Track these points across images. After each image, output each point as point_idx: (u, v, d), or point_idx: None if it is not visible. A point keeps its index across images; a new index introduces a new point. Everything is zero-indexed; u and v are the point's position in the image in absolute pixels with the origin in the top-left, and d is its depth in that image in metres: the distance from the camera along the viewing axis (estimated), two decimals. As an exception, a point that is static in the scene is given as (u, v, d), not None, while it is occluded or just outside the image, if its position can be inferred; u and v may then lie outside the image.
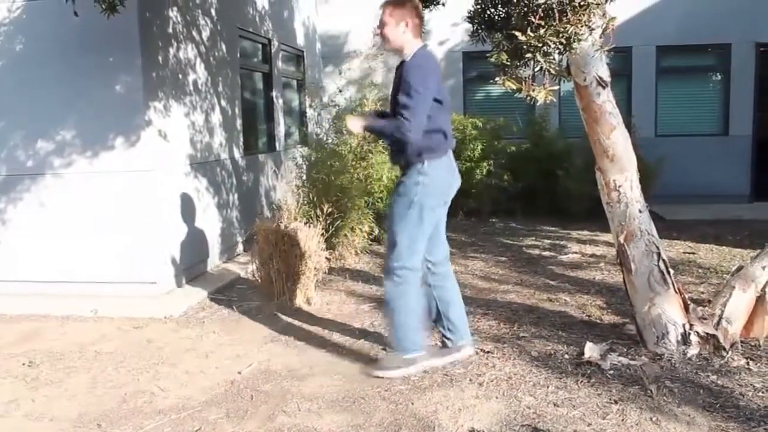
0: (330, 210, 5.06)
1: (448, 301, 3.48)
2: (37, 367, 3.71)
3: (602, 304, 4.52)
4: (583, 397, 3.08)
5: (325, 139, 6.48)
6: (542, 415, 2.91)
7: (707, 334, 3.46)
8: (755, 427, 2.76)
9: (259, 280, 4.77)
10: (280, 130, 7.76)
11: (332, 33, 9.73)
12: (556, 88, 3.20)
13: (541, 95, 3.11)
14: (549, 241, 6.80)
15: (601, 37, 3.27)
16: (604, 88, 3.46)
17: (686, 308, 3.54)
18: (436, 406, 3.03)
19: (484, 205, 8.21)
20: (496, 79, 3.26)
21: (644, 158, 5.89)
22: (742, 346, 3.53)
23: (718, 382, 3.19)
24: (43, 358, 3.84)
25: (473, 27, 4.02)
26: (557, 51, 3.10)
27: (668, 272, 3.53)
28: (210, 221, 5.75)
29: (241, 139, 6.52)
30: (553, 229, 7.51)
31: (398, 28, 3.23)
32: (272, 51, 7.50)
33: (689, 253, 6.04)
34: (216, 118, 5.95)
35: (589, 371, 3.34)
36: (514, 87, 3.17)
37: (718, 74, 9.22)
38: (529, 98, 3.18)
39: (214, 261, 5.84)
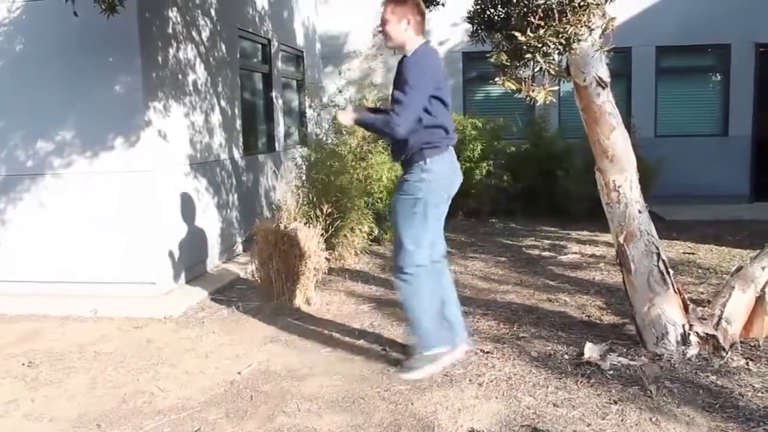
0: (329, 210, 5.06)
1: (444, 300, 3.47)
2: (37, 368, 3.71)
3: (602, 304, 4.52)
4: (583, 397, 3.08)
5: (324, 139, 6.48)
6: (542, 416, 2.91)
7: (707, 334, 3.46)
8: (755, 428, 2.76)
9: (259, 281, 4.77)
10: (280, 130, 7.76)
11: (332, 33, 9.73)
12: (556, 88, 3.20)
13: (540, 96, 3.11)
14: (549, 242, 6.80)
15: (600, 38, 3.27)
16: (603, 88, 3.46)
17: (686, 308, 3.54)
18: (436, 406, 3.03)
19: (483, 206, 8.21)
20: (496, 79, 3.26)
21: (644, 158, 5.89)
22: (741, 346, 3.54)
23: (718, 382, 3.19)
24: (43, 358, 3.84)
25: (473, 27, 4.02)
26: (557, 51, 3.10)
27: (668, 272, 3.54)
28: (210, 221, 5.75)
29: (241, 139, 6.52)
30: (553, 229, 7.51)
31: (400, 26, 3.23)
32: (272, 51, 7.50)
33: (689, 253, 6.04)
34: (216, 118, 5.95)
35: (588, 371, 3.34)
36: (514, 87, 3.18)
37: (717, 75, 9.22)
38: (528, 99, 3.18)
39: (214, 261, 5.84)
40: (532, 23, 3.02)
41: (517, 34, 3.03)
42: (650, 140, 8.64)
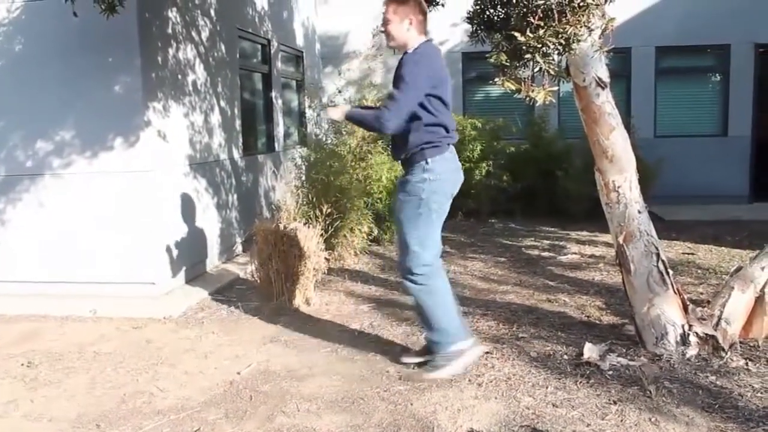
0: (329, 210, 5.06)
1: None
2: (36, 368, 3.70)
3: (601, 304, 4.52)
4: (582, 397, 3.08)
5: (324, 139, 6.48)
6: (541, 416, 2.91)
7: (706, 334, 3.46)
8: (754, 428, 2.76)
9: (258, 281, 4.77)
10: (280, 130, 7.75)
11: (332, 34, 9.73)
12: (556, 88, 3.20)
13: (540, 96, 3.11)
14: (548, 242, 6.80)
15: (600, 38, 3.27)
16: (603, 88, 3.46)
17: (685, 309, 3.54)
18: (435, 406, 3.03)
19: (483, 206, 8.20)
20: (496, 79, 3.25)
21: (643, 159, 5.89)
22: (741, 346, 3.54)
23: (717, 382, 3.19)
24: (42, 358, 3.84)
25: (472, 28, 4.01)
26: (556, 52, 3.10)
27: (667, 273, 3.54)
28: (209, 222, 5.75)
29: (241, 139, 6.52)
30: (553, 229, 7.51)
31: (402, 25, 3.23)
32: (271, 51, 7.50)
33: (688, 253, 6.05)
34: (215, 118, 5.95)
35: (588, 372, 3.34)
36: (514, 88, 3.17)
37: (717, 75, 9.22)
38: (528, 99, 3.17)
39: (214, 261, 5.84)
40: (532, 23, 3.02)
41: (516, 34, 3.03)
42: (650, 140, 8.65)
